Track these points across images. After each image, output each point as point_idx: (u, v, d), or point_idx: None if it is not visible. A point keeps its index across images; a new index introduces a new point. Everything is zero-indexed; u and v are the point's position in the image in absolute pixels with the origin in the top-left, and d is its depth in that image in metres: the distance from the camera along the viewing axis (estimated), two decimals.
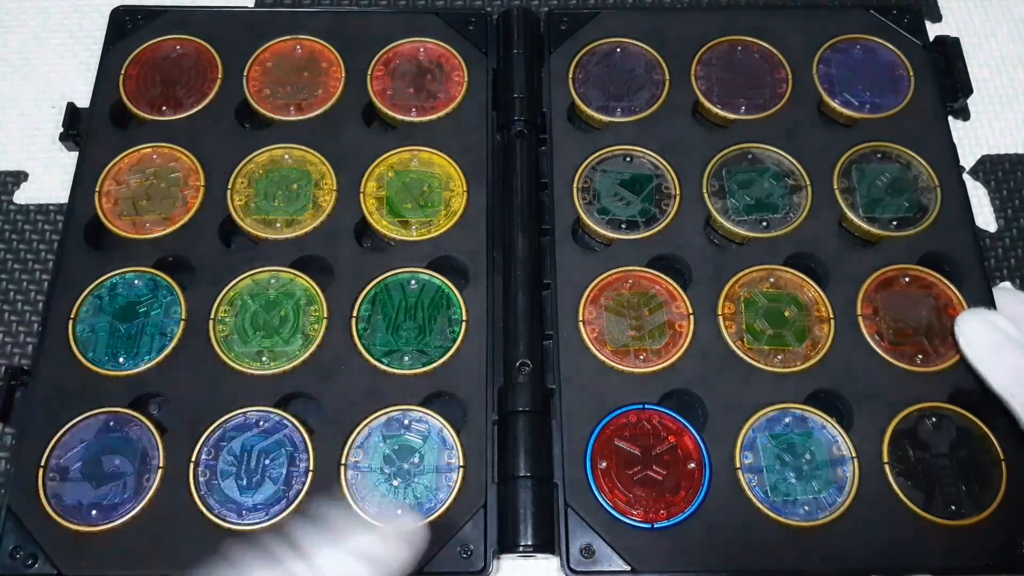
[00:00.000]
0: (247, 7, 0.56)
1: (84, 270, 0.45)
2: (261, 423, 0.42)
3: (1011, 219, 0.51)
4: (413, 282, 0.45)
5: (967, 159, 0.52)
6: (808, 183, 0.48)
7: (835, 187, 0.48)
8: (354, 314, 0.44)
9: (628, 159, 0.49)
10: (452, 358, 0.43)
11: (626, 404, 0.42)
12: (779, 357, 0.44)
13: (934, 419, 0.42)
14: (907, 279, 0.45)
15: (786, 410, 0.42)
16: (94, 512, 0.40)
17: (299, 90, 0.50)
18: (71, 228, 0.46)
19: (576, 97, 0.50)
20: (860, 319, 0.44)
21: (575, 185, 0.48)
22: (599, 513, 0.40)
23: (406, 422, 0.42)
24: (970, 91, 0.51)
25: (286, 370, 0.43)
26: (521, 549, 0.39)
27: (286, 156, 0.49)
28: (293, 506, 0.40)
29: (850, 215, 0.47)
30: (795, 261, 0.46)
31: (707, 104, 0.50)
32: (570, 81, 0.50)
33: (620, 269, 0.46)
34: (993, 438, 0.41)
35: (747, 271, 0.46)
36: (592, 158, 0.48)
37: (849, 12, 0.53)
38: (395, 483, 0.41)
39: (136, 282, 0.45)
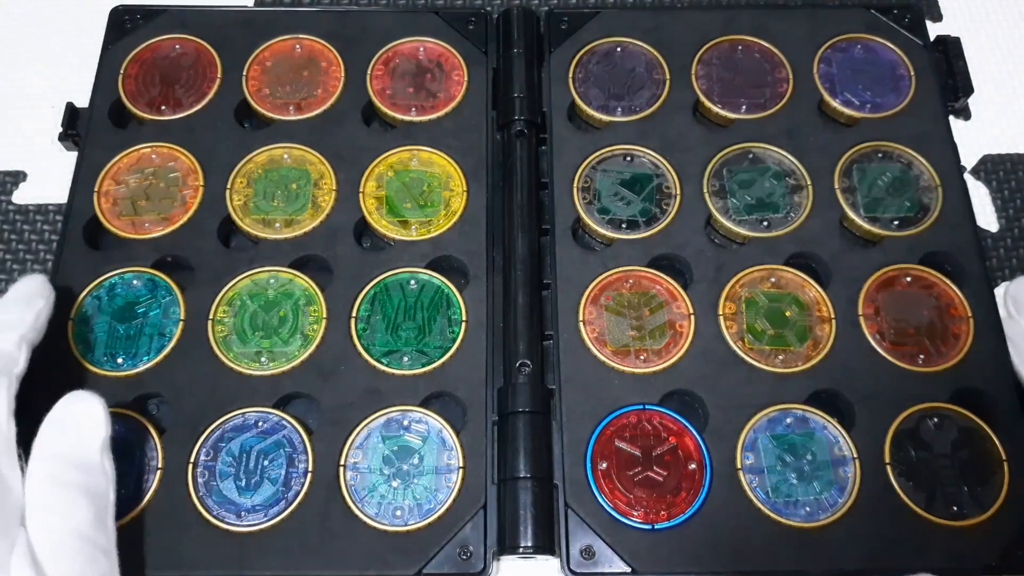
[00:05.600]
0: (246, 6, 0.55)
1: (83, 270, 0.45)
2: (260, 424, 0.42)
3: (1012, 219, 0.51)
4: (413, 282, 0.45)
5: (968, 159, 0.52)
6: (809, 183, 0.48)
7: (836, 187, 0.47)
8: (353, 314, 0.44)
9: (628, 159, 0.49)
10: (452, 358, 0.43)
11: (626, 404, 0.42)
12: (780, 357, 0.43)
13: (936, 419, 0.42)
14: (908, 279, 0.45)
15: (787, 410, 0.42)
16: None
17: (298, 89, 0.50)
18: (70, 228, 0.46)
19: (576, 97, 0.50)
20: (861, 319, 0.44)
21: (575, 185, 0.48)
22: (599, 514, 0.40)
23: (405, 423, 0.42)
24: (971, 90, 0.51)
25: (285, 370, 0.43)
26: (521, 550, 0.39)
27: (285, 156, 0.48)
28: (292, 507, 0.40)
29: (851, 215, 0.47)
30: (796, 261, 0.46)
31: (708, 104, 0.50)
32: (570, 80, 0.50)
33: (620, 269, 0.45)
34: (995, 438, 0.41)
35: (748, 271, 0.45)
36: (592, 158, 0.48)
37: (850, 11, 0.53)
38: (394, 484, 0.41)
39: (135, 282, 0.45)
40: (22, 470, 0.33)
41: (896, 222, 0.47)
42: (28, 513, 0.32)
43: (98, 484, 0.33)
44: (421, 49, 0.52)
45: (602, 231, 0.46)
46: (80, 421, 0.34)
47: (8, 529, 0.31)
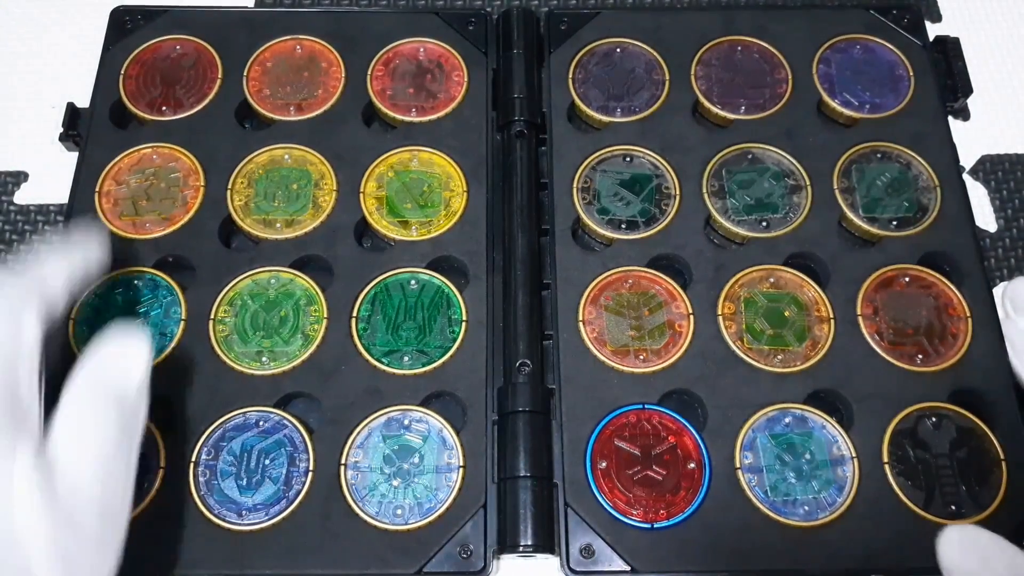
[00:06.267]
0: (247, 7, 0.56)
1: None
2: (261, 423, 0.42)
3: (1011, 219, 0.51)
4: (413, 282, 0.45)
5: (967, 159, 0.52)
6: (808, 183, 0.48)
7: (835, 187, 0.48)
8: (354, 314, 0.44)
9: (628, 159, 0.49)
10: (452, 358, 0.43)
11: (626, 404, 0.42)
12: (779, 357, 0.44)
13: (934, 419, 0.42)
14: (907, 279, 0.45)
15: (786, 410, 0.42)
16: None
17: (299, 90, 0.50)
18: (71, 228, 0.46)
19: (576, 97, 0.50)
20: (860, 319, 0.44)
21: (575, 185, 0.48)
22: (599, 513, 0.40)
23: (406, 422, 0.42)
24: (970, 91, 0.51)
25: (286, 370, 0.43)
26: (521, 549, 0.39)
27: (286, 156, 0.49)
28: (293, 506, 0.40)
29: (850, 215, 0.47)
30: (795, 261, 0.46)
31: (707, 104, 0.50)
32: (570, 81, 0.50)
33: (620, 269, 0.46)
34: (993, 438, 0.41)
35: (747, 271, 0.46)
36: (592, 158, 0.48)
37: (849, 12, 0.53)
38: (395, 483, 0.41)
39: (136, 282, 0.45)
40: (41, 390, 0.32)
41: (895, 222, 0.47)
42: (56, 434, 0.31)
43: (131, 419, 0.32)
44: (421, 50, 0.52)
45: (602, 231, 0.47)
46: (123, 354, 0.33)
47: (19, 434, 0.30)
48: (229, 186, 0.47)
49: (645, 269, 0.46)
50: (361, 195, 0.47)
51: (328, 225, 0.47)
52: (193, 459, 0.41)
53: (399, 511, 0.40)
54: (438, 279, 0.45)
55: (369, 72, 0.51)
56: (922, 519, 0.40)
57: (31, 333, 0.32)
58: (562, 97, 0.50)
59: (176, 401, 0.42)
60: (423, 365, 0.43)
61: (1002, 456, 0.41)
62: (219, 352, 0.43)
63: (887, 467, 0.41)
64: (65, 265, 0.35)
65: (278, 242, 0.46)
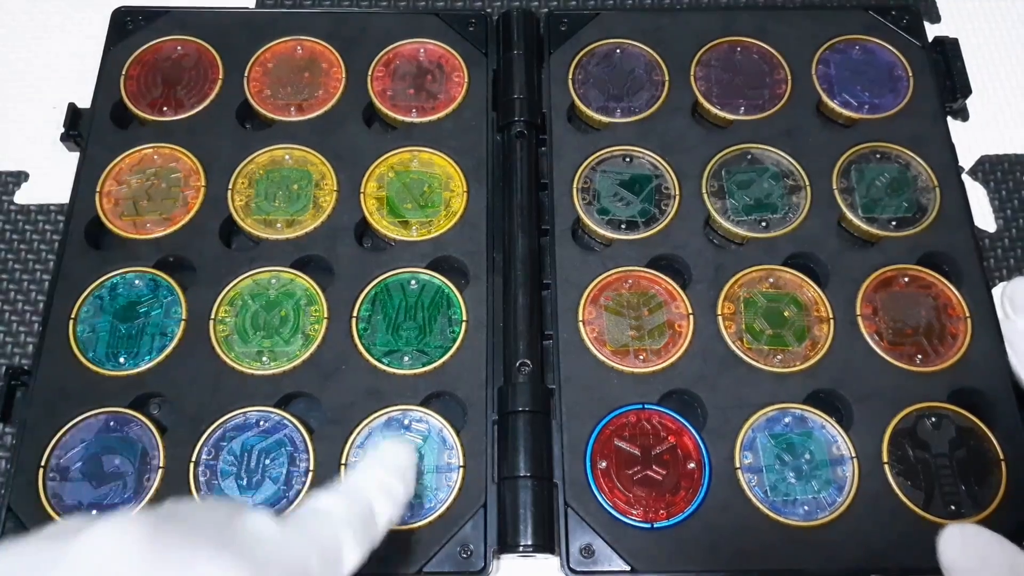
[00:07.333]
0: (248, 8, 0.56)
1: (85, 270, 0.45)
2: (261, 423, 0.42)
3: (1010, 219, 0.51)
4: (413, 282, 0.46)
5: (966, 159, 0.52)
6: (807, 183, 0.48)
7: (834, 187, 0.48)
8: (354, 314, 0.44)
9: (628, 159, 0.49)
10: (452, 358, 0.43)
11: (626, 404, 0.42)
12: (779, 357, 0.44)
13: (933, 419, 0.42)
14: (906, 279, 0.46)
15: (786, 410, 0.42)
16: (94, 512, 0.40)
17: (300, 91, 0.51)
18: (72, 228, 0.46)
19: (576, 98, 0.50)
20: (859, 319, 0.44)
21: (575, 185, 0.48)
22: (599, 513, 0.40)
23: (406, 422, 0.42)
24: (969, 91, 0.51)
25: (286, 370, 0.43)
26: (521, 549, 0.39)
27: (287, 156, 0.49)
28: (293, 506, 0.40)
29: (849, 215, 0.47)
30: (794, 261, 0.46)
31: (706, 104, 0.50)
32: (570, 82, 0.50)
33: (620, 269, 0.46)
34: (992, 438, 0.41)
35: (746, 271, 0.46)
36: (592, 158, 0.49)
37: (848, 13, 0.53)
38: None
39: (137, 282, 0.45)
40: None
41: (894, 222, 0.47)
42: None
43: None
44: (422, 50, 0.52)
45: (601, 231, 0.47)
46: None
47: None
48: (230, 186, 0.48)
49: (645, 269, 0.46)
50: (361, 195, 0.47)
51: (329, 225, 0.47)
52: (193, 459, 0.41)
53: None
54: (438, 279, 0.45)
55: (370, 73, 0.51)
56: (922, 519, 0.40)
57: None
58: (562, 98, 0.50)
59: (176, 401, 0.42)
60: (423, 365, 0.43)
61: (1002, 456, 0.41)
62: (220, 352, 0.43)
63: (887, 467, 0.41)
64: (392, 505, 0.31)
65: (279, 242, 0.46)
